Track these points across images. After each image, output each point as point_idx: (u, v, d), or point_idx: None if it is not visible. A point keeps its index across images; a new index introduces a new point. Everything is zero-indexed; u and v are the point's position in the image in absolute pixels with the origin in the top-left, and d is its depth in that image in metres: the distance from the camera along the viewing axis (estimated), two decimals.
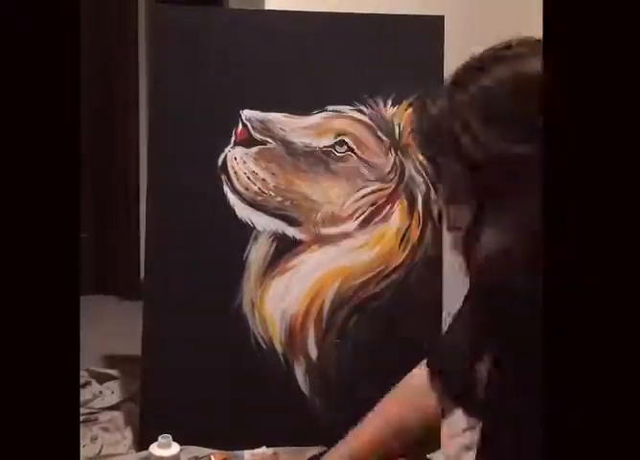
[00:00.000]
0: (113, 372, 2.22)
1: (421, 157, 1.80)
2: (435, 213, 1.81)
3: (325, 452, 1.33)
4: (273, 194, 1.77)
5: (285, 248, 1.78)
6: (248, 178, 1.77)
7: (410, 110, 1.79)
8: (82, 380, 2.10)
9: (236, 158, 1.77)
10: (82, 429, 1.83)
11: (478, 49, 2.43)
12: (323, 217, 1.79)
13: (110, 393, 2.11)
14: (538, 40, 0.87)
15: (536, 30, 2.53)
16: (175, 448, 1.48)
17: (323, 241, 1.79)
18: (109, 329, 2.62)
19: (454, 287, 2.23)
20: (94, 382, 2.15)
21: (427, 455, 1.75)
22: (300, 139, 1.77)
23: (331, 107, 1.78)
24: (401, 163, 1.80)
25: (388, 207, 1.80)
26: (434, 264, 1.81)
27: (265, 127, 1.77)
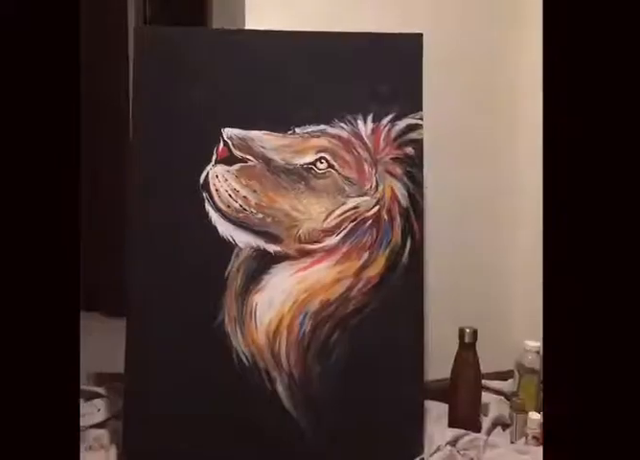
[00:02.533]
0: (99, 389, 2.22)
1: (401, 172, 1.82)
2: (416, 227, 1.83)
3: None
4: (254, 211, 1.79)
5: (266, 265, 1.79)
6: (230, 196, 1.78)
7: (389, 127, 1.82)
8: None
9: (217, 176, 1.78)
10: None
11: (457, 67, 2.46)
12: (304, 233, 1.80)
13: (96, 411, 2.11)
14: None
15: (514, 47, 2.57)
16: None
17: (304, 257, 1.80)
18: (96, 346, 2.61)
19: (436, 299, 2.25)
20: (80, 400, 2.14)
21: None
22: (281, 156, 1.79)
23: (311, 125, 1.80)
24: (382, 179, 1.82)
25: (369, 222, 1.82)
26: (415, 278, 1.83)
27: (246, 145, 1.79)
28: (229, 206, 1.78)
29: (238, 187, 1.78)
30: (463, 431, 1.96)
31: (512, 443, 1.98)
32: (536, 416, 1.95)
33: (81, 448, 1.91)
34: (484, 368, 2.06)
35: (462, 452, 1.89)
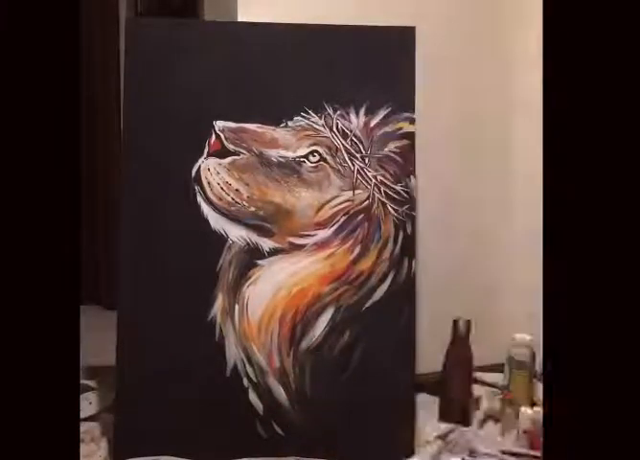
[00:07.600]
0: (91, 383, 2.22)
1: (393, 166, 1.82)
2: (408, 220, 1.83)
3: None
4: (247, 204, 1.79)
5: (258, 258, 1.79)
6: (222, 189, 1.78)
7: (381, 120, 1.81)
8: None
9: (209, 169, 1.78)
10: None
11: (449, 60, 2.46)
12: (296, 226, 1.80)
13: (88, 404, 2.11)
14: None
15: (503, 42, 2.58)
16: None
17: (296, 250, 1.80)
18: (88, 339, 2.61)
19: (429, 292, 2.25)
20: None
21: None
22: (273, 149, 1.79)
23: (303, 118, 1.80)
24: (374, 172, 1.82)
25: (361, 216, 1.82)
26: (407, 271, 1.83)
27: (238, 138, 1.78)
28: (221, 199, 1.78)
29: (230, 180, 1.78)
30: (452, 425, 1.97)
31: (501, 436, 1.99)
32: (528, 411, 1.94)
33: None
34: (478, 361, 2.07)
35: (451, 446, 1.90)
